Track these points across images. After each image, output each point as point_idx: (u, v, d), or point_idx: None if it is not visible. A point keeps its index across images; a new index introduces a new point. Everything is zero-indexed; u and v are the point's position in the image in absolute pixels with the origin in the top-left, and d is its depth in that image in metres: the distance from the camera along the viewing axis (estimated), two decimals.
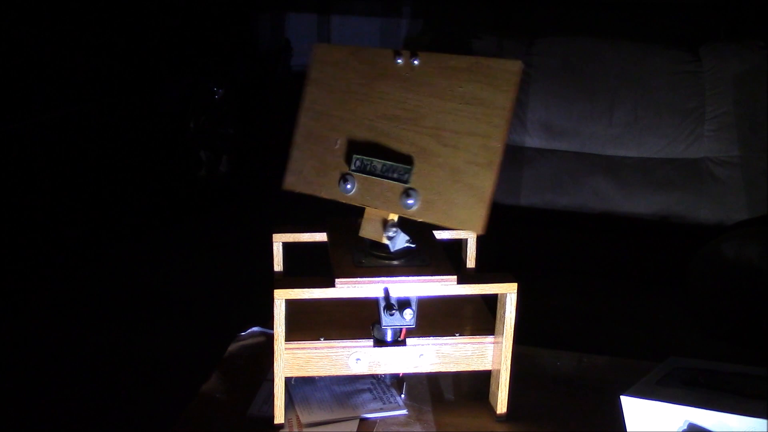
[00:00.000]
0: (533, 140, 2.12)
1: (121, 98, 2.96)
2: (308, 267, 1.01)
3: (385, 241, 0.89)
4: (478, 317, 1.00)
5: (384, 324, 0.90)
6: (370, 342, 0.93)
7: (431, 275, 0.88)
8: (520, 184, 2.09)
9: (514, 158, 2.11)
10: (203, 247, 2.64)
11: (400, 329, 0.92)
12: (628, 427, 0.88)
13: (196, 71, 3.24)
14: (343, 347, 0.93)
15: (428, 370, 0.96)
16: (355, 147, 0.89)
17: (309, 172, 0.93)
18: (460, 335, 0.95)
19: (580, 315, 1.71)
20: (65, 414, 1.76)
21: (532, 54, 2.12)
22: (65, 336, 2.06)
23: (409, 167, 0.85)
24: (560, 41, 2.16)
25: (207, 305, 2.20)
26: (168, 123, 3.16)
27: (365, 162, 0.87)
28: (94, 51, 2.80)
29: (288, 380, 0.96)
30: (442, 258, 0.92)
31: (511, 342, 0.93)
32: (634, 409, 0.87)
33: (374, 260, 0.91)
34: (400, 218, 0.89)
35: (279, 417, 0.94)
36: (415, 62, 0.88)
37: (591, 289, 1.85)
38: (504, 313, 0.92)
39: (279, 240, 1.05)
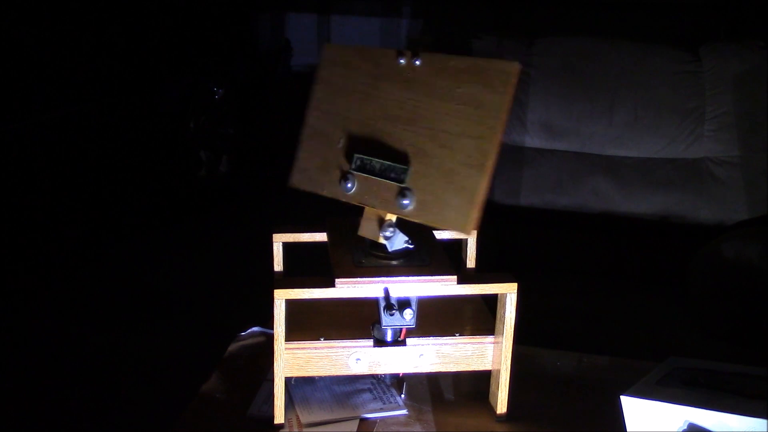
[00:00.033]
0: (533, 140, 2.12)
1: (121, 98, 2.96)
2: (308, 267, 1.01)
3: (382, 241, 0.89)
4: (478, 317, 1.00)
5: (384, 324, 0.90)
6: (370, 342, 0.93)
7: (431, 275, 0.88)
8: (520, 184, 2.09)
9: (514, 158, 2.11)
10: (203, 247, 2.64)
11: (400, 329, 0.92)
12: (628, 427, 0.88)
13: (196, 71, 3.24)
14: (343, 347, 0.93)
15: (428, 370, 0.96)
16: (356, 146, 0.89)
17: (313, 171, 0.93)
18: (460, 335, 0.95)
19: (580, 315, 1.71)
20: (65, 414, 1.75)
21: (532, 54, 2.12)
22: (65, 336, 2.05)
23: (405, 168, 0.85)
24: (560, 41, 2.16)
25: (207, 305, 2.20)
26: (168, 123, 3.16)
27: (365, 161, 0.87)
28: (94, 51, 2.80)
29: (288, 380, 0.97)
30: (442, 258, 0.92)
31: (511, 342, 0.93)
32: (634, 409, 0.87)
33: (374, 260, 0.91)
34: (399, 218, 0.89)
35: (279, 417, 0.94)
36: (417, 62, 0.88)
37: (591, 289, 1.85)
38: (504, 313, 0.92)
39: (279, 240, 1.05)
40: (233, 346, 1.13)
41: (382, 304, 0.89)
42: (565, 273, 1.93)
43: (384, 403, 0.99)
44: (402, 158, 0.86)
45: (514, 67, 0.82)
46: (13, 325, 2.11)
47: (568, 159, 2.09)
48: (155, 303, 2.25)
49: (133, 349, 1.98)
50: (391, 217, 0.89)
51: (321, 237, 1.03)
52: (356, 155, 0.88)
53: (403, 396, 1.01)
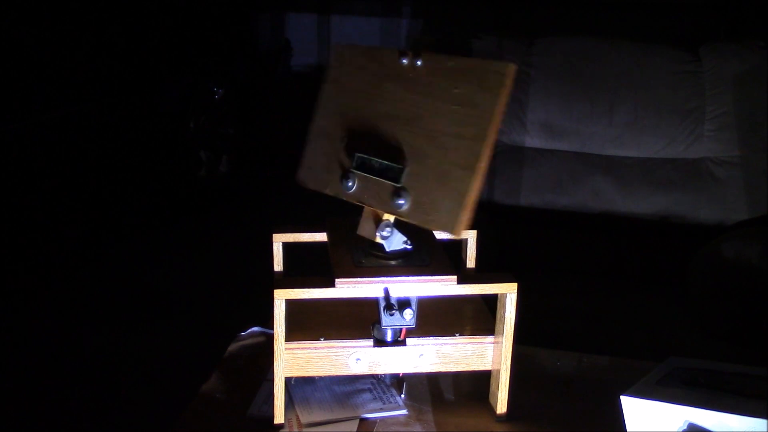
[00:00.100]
0: (533, 140, 2.12)
1: (121, 98, 2.96)
2: (308, 267, 1.01)
3: (379, 241, 0.89)
4: (478, 317, 1.00)
5: (384, 324, 0.90)
6: (370, 342, 0.93)
7: (431, 275, 0.88)
8: (520, 184, 2.09)
9: (514, 158, 2.11)
10: (203, 247, 2.64)
11: (400, 329, 0.92)
12: (628, 427, 0.88)
13: (196, 71, 3.24)
14: (343, 347, 0.93)
15: (428, 370, 0.96)
16: (359, 145, 0.89)
17: (318, 169, 0.93)
18: (460, 335, 0.95)
19: (580, 315, 1.71)
20: (65, 414, 1.75)
21: (532, 54, 2.12)
22: (65, 336, 2.05)
23: (402, 168, 0.85)
24: (560, 41, 2.16)
25: (207, 305, 2.20)
26: (168, 123, 3.16)
27: (365, 160, 0.88)
28: (94, 51, 2.80)
29: (288, 380, 0.97)
30: (442, 258, 0.93)
31: (511, 342, 0.93)
32: (634, 409, 0.87)
33: (374, 260, 0.91)
34: (398, 219, 0.89)
35: (279, 417, 0.94)
36: (418, 63, 0.88)
37: (591, 289, 1.85)
38: (504, 313, 0.92)
39: (279, 240, 1.05)
40: (233, 346, 1.13)
41: (382, 304, 0.89)
42: (565, 273, 1.93)
43: (384, 403, 0.99)
44: (401, 158, 0.86)
45: (509, 68, 0.81)
46: (13, 325, 2.11)
47: (568, 159, 2.09)
48: (155, 303, 2.25)
49: (133, 349, 1.98)
50: (389, 217, 0.89)
51: (321, 237, 1.03)
52: (357, 154, 0.88)
53: (403, 396, 1.01)
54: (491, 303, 0.96)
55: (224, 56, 3.40)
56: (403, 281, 0.88)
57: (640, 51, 2.10)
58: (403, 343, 0.93)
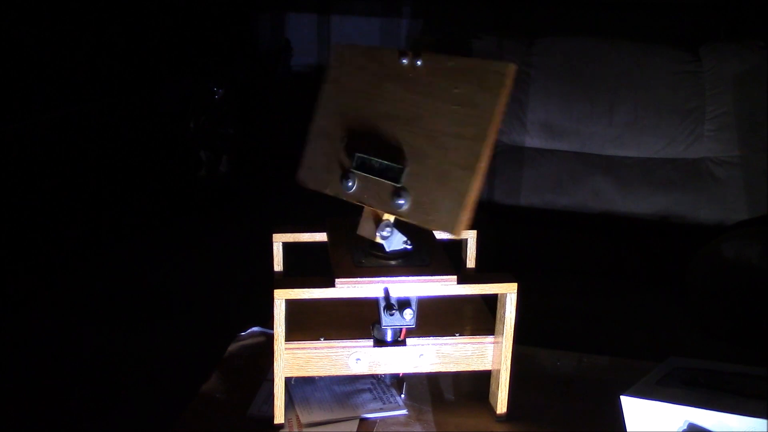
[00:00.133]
0: (533, 140, 2.12)
1: (121, 98, 2.96)
2: (308, 267, 1.01)
3: (379, 240, 0.89)
4: (478, 317, 1.00)
5: (384, 324, 0.90)
6: (370, 342, 0.93)
7: (431, 275, 0.88)
8: (520, 184, 2.09)
9: (514, 158, 2.11)
10: (203, 247, 2.64)
11: (400, 329, 0.92)
12: (628, 427, 0.88)
13: (196, 71, 3.24)
14: (343, 347, 0.93)
15: (428, 370, 0.96)
16: (359, 145, 0.89)
17: (318, 169, 0.93)
18: (460, 335, 0.95)
19: (580, 315, 1.71)
20: (65, 414, 1.75)
21: (532, 54, 2.12)
22: (65, 336, 2.05)
23: (401, 168, 0.85)
24: (560, 41, 2.16)
25: (207, 305, 2.20)
26: (168, 123, 3.16)
27: (365, 161, 0.88)
28: (94, 51, 2.80)
29: (288, 380, 0.97)
30: (442, 258, 0.92)
31: (511, 342, 0.93)
32: (634, 409, 0.87)
33: (374, 260, 0.91)
34: (398, 219, 0.89)
35: (279, 417, 0.94)
36: (418, 63, 0.88)
37: (591, 289, 1.85)
38: (504, 313, 0.92)
39: (279, 240, 1.05)
40: (233, 346, 1.13)
41: (382, 304, 0.89)
42: (565, 273, 1.93)
43: (384, 403, 0.99)
44: (401, 158, 0.86)
45: (509, 68, 0.81)
46: (13, 325, 2.11)
47: (568, 159, 2.09)
48: (155, 303, 2.25)
49: (133, 349, 1.98)
50: (389, 217, 0.89)
51: (321, 237, 1.03)
52: (357, 154, 0.88)
53: (403, 396, 1.01)
54: (491, 303, 0.96)
55: (224, 56, 3.40)
56: (403, 281, 0.88)
57: (640, 51, 2.10)
58: (403, 343, 0.93)
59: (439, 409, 0.99)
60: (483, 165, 0.81)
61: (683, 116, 2.03)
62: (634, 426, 0.88)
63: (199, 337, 1.69)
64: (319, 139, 0.95)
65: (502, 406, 0.96)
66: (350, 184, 0.89)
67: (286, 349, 0.91)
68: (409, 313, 0.89)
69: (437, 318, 0.98)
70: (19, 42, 2.51)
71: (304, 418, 0.95)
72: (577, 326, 1.65)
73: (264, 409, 0.97)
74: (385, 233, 0.89)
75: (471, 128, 0.82)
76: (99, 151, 2.83)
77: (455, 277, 0.89)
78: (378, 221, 0.89)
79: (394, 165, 0.85)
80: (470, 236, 1.06)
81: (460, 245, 1.07)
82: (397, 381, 1.02)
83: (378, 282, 0.88)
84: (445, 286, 0.89)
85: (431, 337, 0.95)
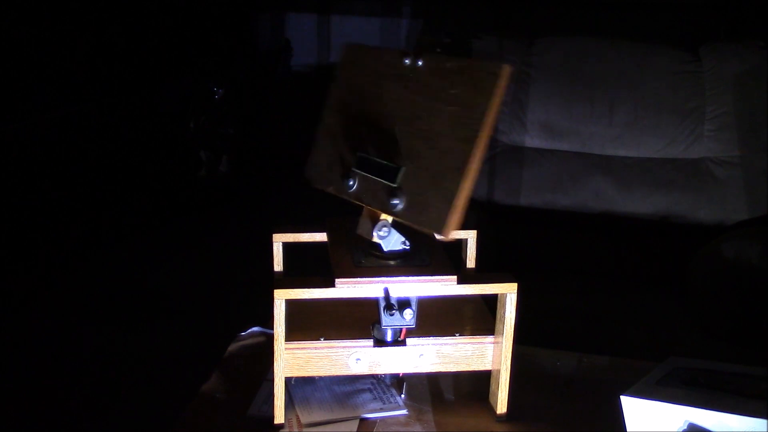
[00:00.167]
0: (533, 140, 2.12)
1: (121, 98, 2.96)
2: (308, 267, 1.01)
3: (376, 240, 0.89)
4: (478, 317, 1.00)
5: (384, 324, 0.90)
6: (370, 342, 0.93)
7: (431, 275, 0.88)
8: (520, 184, 2.09)
9: (514, 158, 2.11)
10: (203, 247, 2.64)
11: (400, 329, 0.92)
12: (628, 427, 0.88)
13: (196, 71, 3.24)
14: (343, 347, 0.93)
15: (428, 370, 0.96)
16: (361, 145, 0.90)
17: (323, 168, 0.94)
18: (460, 335, 0.95)
19: (580, 315, 1.71)
20: (65, 414, 1.75)
21: (532, 54, 2.12)
22: (65, 336, 2.06)
23: (398, 168, 0.85)
24: (560, 41, 2.16)
25: (207, 305, 2.20)
26: (168, 123, 3.16)
27: (365, 160, 0.88)
28: (94, 51, 2.80)
29: (288, 380, 0.97)
30: (442, 258, 0.92)
31: (511, 342, 0.93)
32: (634, 409, 0.87)
33: (374, 260, 0.91)
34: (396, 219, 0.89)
35: (279, 417, 0.94)
36: (419, 63, 0.88)
37: (591, 289, 1.85)
38: (504, 313, 0.92)
39: (279, 240, 1.05)
40: (233, 346, 1.13)
41: (382, 304, 0.89)
42: (565, 273, 1.93)
43: (384, 403, 0.99)
44: (399, 158, 0.86)
45: (503, 69, 0.81)
46: (13, 325, 2.11)
47: (568, 159, 2.09)
48: (155, 303, 2.25)
49: (133, 349, 1.98)
50: (387, 217, 0.89)
51: (321, 237, 1.03)
52: (359, 153, 0.89)
53: (403, 396, 1.01)
54: (491, 303, 0.95)
55: (224, 56, 3.40)
56: (403, 281, 0.88)
57: (640, 51, 2.10)
58: (403, 343, 0.93)
59: (439, 409, 0.99)
60: (474, 167, 0.80)
61: (683, 116, 2.03)
62: (634, 426, 0.88)
63: (199, 337, 1.70)
64: (325, 137, 0.95)
65: (502, 406, 0.96)
66: (351, 183, 0.89)
67: (286, 349, 0.91)
68: (409, 313, 0.89)
69: (437, 318, 0.98)
70: (19, 42, 2.51)
71: (304, 418, 0.95)
72: (577, 326, 1.65)
73: (264, 409, 0.97)
74: (382, 233, 0.89)
75: (464, 129, 0.82)
76: (99, 151, 2.83)
77: (455, 277, 0.89)
78: (376, 221, 0.89)
79: (391, 165, 0.85)
80: (470, 236, 1.06)
81: (460, 245, 1.07)
82: (397, 381, 1.02)
83: (378, 282, 0.88)
84: (445, 286, 0.89)
85: (431, 337, 0.95)
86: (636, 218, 2.03)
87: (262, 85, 3.46)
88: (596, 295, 1.81)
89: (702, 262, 1.77)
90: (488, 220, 1.98)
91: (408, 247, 0.91)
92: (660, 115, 2.04)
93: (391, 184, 0.84)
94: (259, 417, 0.96)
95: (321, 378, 1.01)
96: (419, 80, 0.88)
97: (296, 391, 1.00)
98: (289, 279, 0.91)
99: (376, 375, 1.03)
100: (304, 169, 0.96)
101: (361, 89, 0.93)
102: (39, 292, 2.30)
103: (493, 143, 2.10)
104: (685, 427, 0.84)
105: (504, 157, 2.11)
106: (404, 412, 0.98)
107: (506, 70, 0.80)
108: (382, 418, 0.96)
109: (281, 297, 0.88)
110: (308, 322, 0.96)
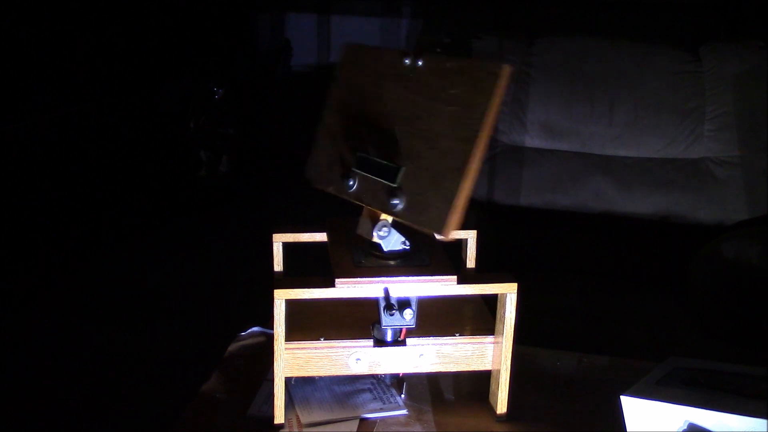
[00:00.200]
0: (533, 140, 2.12)
1: (121, 98, 2.96)
2: (308, 267, 1.01)
3: (376, 240, 0.89)
4: (478, 317, 1.00)
5: (384, 324, 0.90)
6: (370, 342, 0.93)
7: (431, 275, 0.88)
8: (520, 184, 2.09)
9: (514, 158, 2.11)
10: (203, 247, 2.64)
11: (400, 329, 0.92)
12: (628, 427, 0.88)
13: (196, 71, 3.24)
14: (343, 347, 0.93)
15: (428, 370, 0.96)
16: (361, 145, 0.90)
17: (323, 168, 0.94)
18: (460, 335, 0.95)
19: (580, 315, 1.71)
20: (65, 414, 1.76)
21: (532, 54, 2.12)
22: (65, 336, 2.06)
23: (398, 168, 0.85)
24: (560, 41, 2.16)
25: (207, 305, 2.20)
26: (168, 123, 3.16)
27: (365, 160, 0.88)
28: (94, 51, 2.80)
29: (288, 380, 0.97)
30: (442, 258, 0.92)
31: (511, 342, 0.93)
32: (634, 409, 0.87)
33: (374, 260, 0.91)
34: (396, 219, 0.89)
35: (279, 417, 0.94)
36: (419, 63, 0.88)
37: (591, 289, 1.85)
38: (504, 313, 0.92)
39: (279, 240, 1.05)
40: (233, 346, 1.13)
41: (382, 304, 0.89)
42: (565, 273, 1.93)
43: (384, 403, 0.99)
44: (399, 158, 0.86)
45: (503, 69, 0.81)
46: (13, 325, 2.12)
47: (568, 159, 2.09)
48: (155, 303, 2.25)
49: (133, 349, 1.98)
50: (387, 217, 0.89)
51: (321, 237, 1.03)
52: (359, 153, 0.89)
53: (403, 396, 1.01)
54: (491, 303, 0.95)
55: (224, 56, 3.40)
56: (403, 281, 0.88)
57: (640, 51, 2.10)
58: (403, 343, 0.93)
59: (439, 409, 0.99)
60: (473, 167, 0.80)
61: (683, 116, 2.03)
62: (634, 426, 0.88)
63: (199, 337, 1.70)
64: (326, 137, 0.95)
65: (502, 406, 0.96)
66: (351, 183, 0.89)
67: (286, 349, 0.91)
68: (409, 313, 0.89)
69: (437, 318, 0.98)
70: (19, 42, 2.51)
71: (304, 418, 0.95)
72: (577, 326, 1.65)
73: (264, 409, 0.97)
74: (382, 233, 0.89)
75: (464, 129, 0.82)
76: (99, 151, 2.83)
77: (455, 277, 0.89)
78: (376, 221, 0.89)
79: (391, 165, 0.85)
80: (470, 236, 1.05)
81: (460, 245, 1.07)
82: (397, 381, 1.02)
83: (378, 282, 0.88)
84: (445, 286, 0.89)
85: (431, 337, 0.95)
86: (636, 218, 2.03)
87: (262, 85, 3.46)
88: (596, 295, 1.81)
89: (702, 262, 1.77)
90: (488, 220, 1.98)
91: (408, 247, 0.91)
92: (660, 115, 2.04)
93: (391, 184, 0.84)
94: (259, 417, 0.96)
95: (321, 378, 1.01)
96: (419, 80, 0.88)
97: (296, 391, 1.00)
98: (289, 279, 0.91)
99: (376, 375, 1.03)
100: (304, 169, 0.96)
101: (361, 89, 0.93)
102: (39, 292, 2.30)
103: (493, 143, 2.10)
104: (685, 427, 0.84)
105: (504, 157, 2.11)
106: (404, 412, 0.98)
107: (506, 70, 0.80)
108: (382, 418, 0.96)
109: (281, 297, 0.88)
110: (308, 322, 0.96)
